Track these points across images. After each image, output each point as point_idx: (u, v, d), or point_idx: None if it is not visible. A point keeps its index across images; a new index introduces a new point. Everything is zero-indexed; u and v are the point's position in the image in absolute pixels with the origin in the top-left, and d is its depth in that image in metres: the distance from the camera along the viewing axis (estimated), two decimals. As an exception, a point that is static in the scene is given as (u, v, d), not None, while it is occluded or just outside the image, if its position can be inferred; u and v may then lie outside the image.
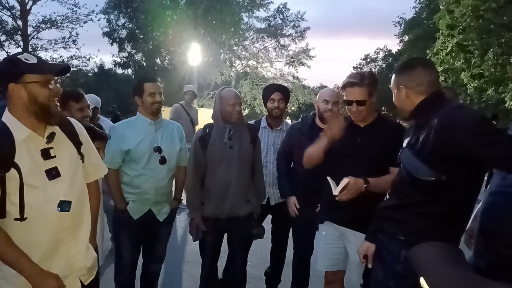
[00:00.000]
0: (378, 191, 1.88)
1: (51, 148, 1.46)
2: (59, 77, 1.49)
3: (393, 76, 1.72)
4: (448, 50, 14.11)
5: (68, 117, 1.67)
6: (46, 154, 1.44)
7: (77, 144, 1.59)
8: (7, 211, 1.37)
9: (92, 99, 3.24)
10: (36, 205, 1.40)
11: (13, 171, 1.35)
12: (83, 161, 1.61)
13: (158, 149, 2.48)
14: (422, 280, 0.64)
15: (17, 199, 1.36)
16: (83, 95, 2.68)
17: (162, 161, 2.50)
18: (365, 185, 1.88)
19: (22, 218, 1.38)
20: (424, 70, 1.61)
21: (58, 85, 1.46)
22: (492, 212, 1.65)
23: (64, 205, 1.46)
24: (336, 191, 1.92)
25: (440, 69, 14.63)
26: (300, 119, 3.06)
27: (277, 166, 2.88)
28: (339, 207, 2.04)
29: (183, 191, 2.80)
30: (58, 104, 1.48)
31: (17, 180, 1.36)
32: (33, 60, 1.40)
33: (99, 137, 2.12)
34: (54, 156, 1.46)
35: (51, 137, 1.47)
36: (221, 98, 2.49)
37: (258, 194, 2.69)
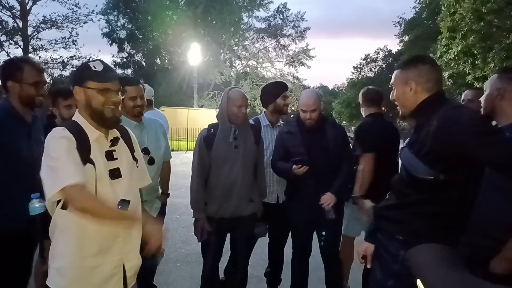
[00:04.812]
0: None
1: (114, 150, 1.59)
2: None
3: (398, 71, 1.67)
4: (452, 56, 14.12)
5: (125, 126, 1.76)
6: (109, 155, 1.57)
7: (132, 150, 1.71)
8: None
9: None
10: (104, 199, 1.50)
11: (89, 166, 1.47)
12: (137, 166, 1.71)
13: (146, 150, 2.47)
14: (419, 283, 0.64)
15: (93, 192, 1.47)
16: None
17: (151, 162, 2.51)
18: None
19: None
20: (433, 67, 1.62)
21: (120, 95, 1.57)
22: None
23: (124, 204, 1.55)
24: None
25: (446, 74, 14.69)
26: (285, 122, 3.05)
27: (273, 167, 2.83)
28: None
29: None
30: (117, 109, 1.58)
31: (93, 175, 1.47)
32: (99, 68, 1.52)
33: None
34: (116, 158, 1.59)
35: (115, 140, 1.61)
36: (228, 98, 2.49)
37: (260, 194, 2.69)
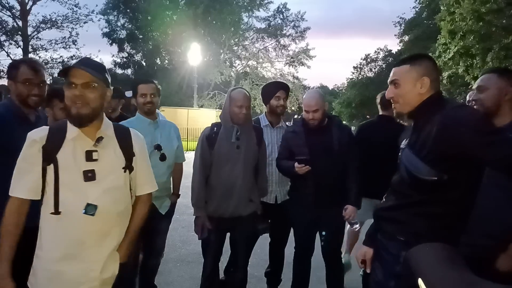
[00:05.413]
0: None
1: (95, 151, 1.50)
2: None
3: (407, 66, 1.58)
4: (450, 55, 14.13)
5: (130, 129, 1.68)
6: (88, 156, 1.49)
7: (129, 154, 1.59)
8: (47, 204, 1.46)
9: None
10: (66, 202, 1.44)
11: (51, 165, 1.44)
12: (129, 172, 1.59)
13: (158, 147, 2.62)
14: (420, 282, 0.64)
15: (52, 192, 1.43)
16: None
17: (162, 158, 2.63)
18: None
19: (56, 212, 1.44)
20: (436, 65, 1.61)
21: (94, 91, 1.45)
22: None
23: (89, 209, 1.45)
24: None
25: (445, 74, 14.69)
26: (292, 122, 3.06)
27: (277, 165, 2.83)
28: None
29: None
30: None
31: (53, 174, 1.43)
32: (75, 62, 1.46)
33: None
34: (96, 160, 1.49)
35: (98, 140, 1.50)
36: (230, 98, 2.50)
37: (260, 195, 2.70)
